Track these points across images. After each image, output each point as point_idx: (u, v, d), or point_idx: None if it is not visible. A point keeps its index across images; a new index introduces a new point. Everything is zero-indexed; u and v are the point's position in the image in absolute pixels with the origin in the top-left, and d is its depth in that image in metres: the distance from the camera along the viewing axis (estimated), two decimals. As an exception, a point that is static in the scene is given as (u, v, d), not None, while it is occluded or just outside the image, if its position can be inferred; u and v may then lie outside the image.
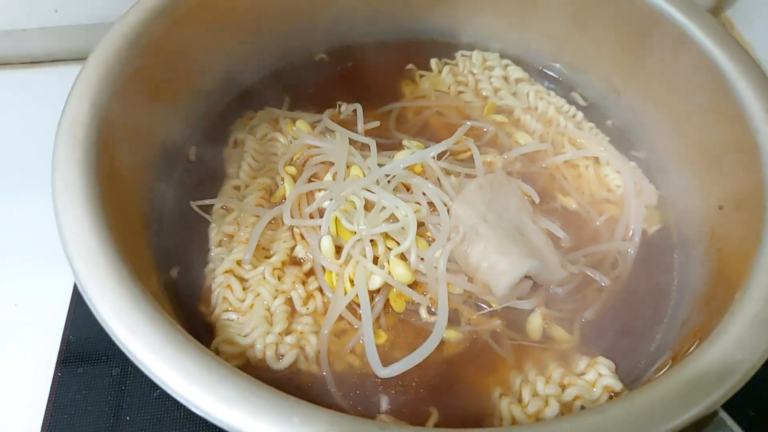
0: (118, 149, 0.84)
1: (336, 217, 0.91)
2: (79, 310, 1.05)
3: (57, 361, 1.00)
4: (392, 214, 0.91)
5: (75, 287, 1.07)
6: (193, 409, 0.59)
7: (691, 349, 0.70)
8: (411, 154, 1.00)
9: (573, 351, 0.88)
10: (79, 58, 1.42)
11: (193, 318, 0.89)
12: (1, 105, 1.37)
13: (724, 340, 0.66)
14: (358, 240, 0.89)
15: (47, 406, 0.94)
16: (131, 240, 0.80)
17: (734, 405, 0.62)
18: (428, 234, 0.94)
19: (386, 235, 0.91)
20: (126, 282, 0.66)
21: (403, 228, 0.89)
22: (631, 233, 0.99)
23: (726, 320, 0.68)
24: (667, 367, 0.76)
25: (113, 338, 0.62)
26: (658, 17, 0.98)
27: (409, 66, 1.23)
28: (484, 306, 0.90)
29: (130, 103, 0.88)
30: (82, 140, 0.77)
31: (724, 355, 0.64)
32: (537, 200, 1.00)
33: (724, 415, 0.62)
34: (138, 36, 0.88)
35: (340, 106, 1.15)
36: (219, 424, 0.58)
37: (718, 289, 0.82)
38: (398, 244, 0.89)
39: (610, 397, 0.82)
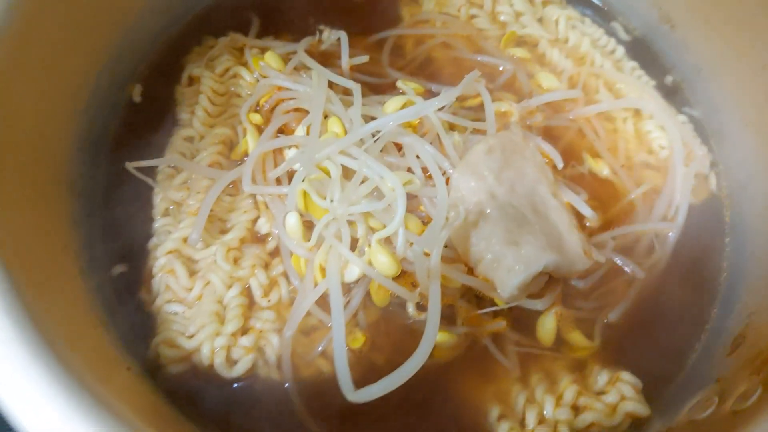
0: (21, 106, 0.65)
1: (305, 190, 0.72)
2: None
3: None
4: (376, 186, 0.72)
5: None
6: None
7: (752, 397, 0.54)
8: (406, 102, 0.79)
9: (591, 361, 0.73)
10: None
11: (134, 309, 0.74)
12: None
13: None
14: (332, 219, 0.71)
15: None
16: (40, 240, 0.63)
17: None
18: (421, 208, 0.75)
19: (368, 213, 0.72)
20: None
21: (389, 205, 0.71)
22: (674, 211, 0.80)
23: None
24: (713, 407, 0.60)
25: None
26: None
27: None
28: (487, 301, 0.74)
29: (40, 35, 0.67)
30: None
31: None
32: (560, 165, 0.81)
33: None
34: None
35: (321, 32, 0.92)
36: None
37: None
38: (383, 224, 0.71)
39: (633, 425, 0.67)
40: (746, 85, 0.80)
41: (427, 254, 0.69)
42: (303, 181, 0.72)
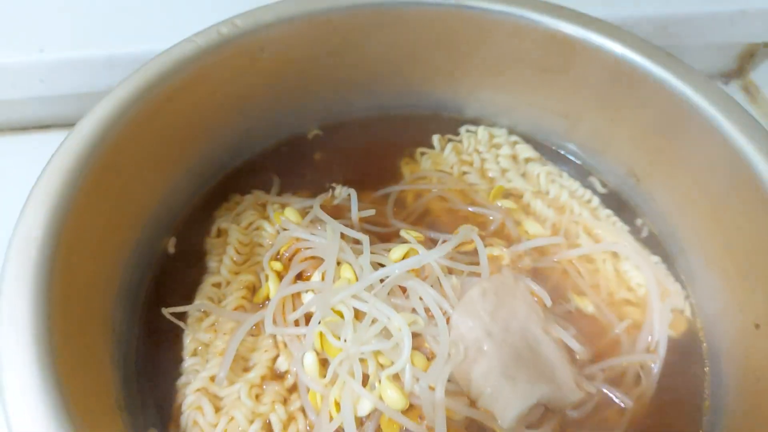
0: (81, 260, 0.75)
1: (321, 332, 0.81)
2: None
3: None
4: (384, 326, 0.81)
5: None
6: None
7: None
8: (409, 250, 0.90)
9: (590, 490, 0.77)
10: (69, 123, 1.36)
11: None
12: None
13: None
14: (345, 357, 0.79)
15: None
16: (90, 384, 0.71)
17: None
18: (425, 344, 0.83)
19: (378, 351, 0.80)
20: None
21: (397, 344, 0.79)
22: (655, 344, 0.88)
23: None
24: None
25: None
26: (686, 105, 0.88)
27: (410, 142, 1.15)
28: (489, 431, 0.80)
29: (98, 205, 0.80)
30: (35, 262, 0.68)
31: None
32: (549, 303, 0.90)
33: None
34: (105, 131, 0.80)
35: (333, 189, 1.06)
36: None
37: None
38: (392, 361, 0.79)
39: None
40: (705, 229, 0.91)
41: (432, 388, 0.77)
42: (319, 323, 0.82)
